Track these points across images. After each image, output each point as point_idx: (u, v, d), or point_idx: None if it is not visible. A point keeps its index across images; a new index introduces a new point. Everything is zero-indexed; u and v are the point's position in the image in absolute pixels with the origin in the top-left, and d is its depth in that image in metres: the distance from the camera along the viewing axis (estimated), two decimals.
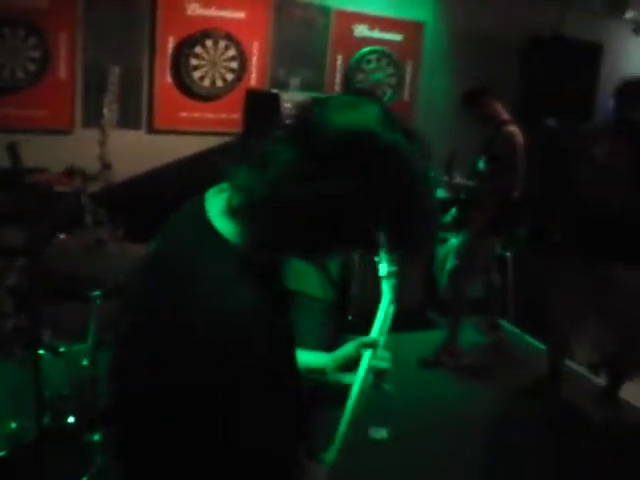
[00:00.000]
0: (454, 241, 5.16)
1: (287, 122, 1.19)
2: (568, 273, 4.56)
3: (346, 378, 1.58)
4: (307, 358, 1.60)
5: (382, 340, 1.59)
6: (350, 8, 5.84)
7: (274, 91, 5.22)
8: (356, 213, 1.13)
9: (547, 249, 4.90)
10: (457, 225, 5.13)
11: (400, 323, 5.61)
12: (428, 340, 5.35)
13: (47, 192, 4.31)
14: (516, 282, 5.85)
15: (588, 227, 4.34)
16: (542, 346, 5.53)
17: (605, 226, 4.23)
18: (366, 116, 1.15)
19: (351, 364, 1.60)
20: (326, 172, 1.10)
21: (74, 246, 3.56)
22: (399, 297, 5.03)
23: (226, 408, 1.10)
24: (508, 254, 5.80)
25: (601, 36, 6.57)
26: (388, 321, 1.65)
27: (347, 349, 1.62)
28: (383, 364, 1.57)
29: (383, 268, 1.64)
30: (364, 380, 1.52)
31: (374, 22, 5.95)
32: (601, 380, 4.90)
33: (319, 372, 1.63)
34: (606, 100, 4.77)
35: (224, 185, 1.23)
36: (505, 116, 4.92)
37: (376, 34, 5.98)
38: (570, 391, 4.77)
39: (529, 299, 5.72)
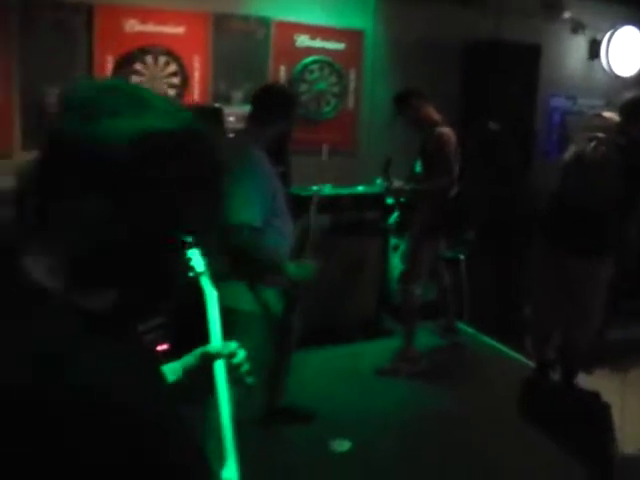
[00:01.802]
0: (401, 247, 5.19)
1: (54, 162, 1.01)
2: (543, 269, 4.75)
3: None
4: None
5: (227, 346, 1.51)
6: (290, 18, 5.82)
7: (217, 105, 5.17)
8: (182, 216, 1.03)
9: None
10: (400, 229, 5.16)
11: (356, 333, 5.63)
12: (385, 349, 5.34)
13: None
14: (470, 284, 5.87)
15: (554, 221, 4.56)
16: (499, 346, 5.59)
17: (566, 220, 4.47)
18: (150, 116, 1.00)
19: (197, 374, 1.51)
20: (131, 207, 0.99)
21: None
22: (353, 308, 4.99)
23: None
24: (461, 256, 5.82)
25: (539, 38, 6.66)
26: (218, 317, 1.57)
27: (188, 360, 1.52)
28: (242, 374, 1.51)
29: (198, 264, 1.59)
30: (228, 391, 1.44)
31: (315, 32, 5.94)
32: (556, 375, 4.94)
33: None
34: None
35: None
36: (435, 117, 4.96)
37: (317, 43, 5.98)
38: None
39: (483, 300, 5.76)
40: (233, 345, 1.51)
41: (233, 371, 1.48)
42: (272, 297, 3.50)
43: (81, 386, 0.94)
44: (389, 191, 5.14)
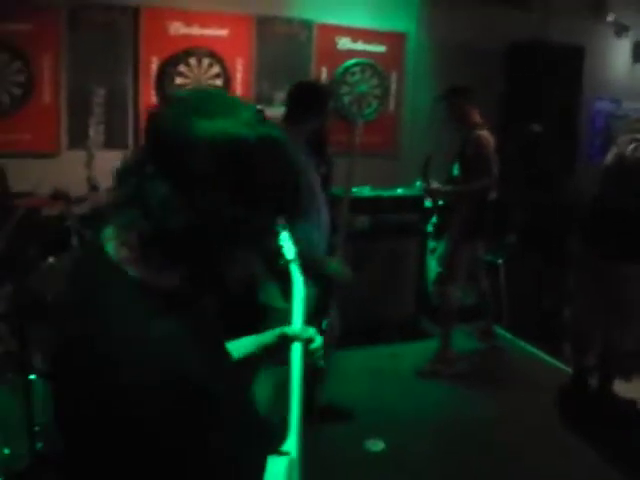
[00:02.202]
0: (439, 249, 5.18)
1: (149, 148, 1.15)
2: (583, 272, 4.69)
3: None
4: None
5: (307, 330, 1.58)
6: (332, 21, 5.86)
7: (259, 106, 5.20)
8: (240, 220, 1.13)
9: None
10: (438, 232, 5.16)
11: (394, 334, 5.63)
12: (423, 350, 5.34)
13: (34, 216, 4.30)
14: (509, 288, 5.85)
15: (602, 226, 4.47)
16: (536, 351, 5.55)
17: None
18: (229, 121, 1.12)
19: (274, 352, 1.62)
20: (197, 197, 1.09)
21: (62, 269, 3.55)
22: (392, 309, 4.98)
23: (172, 441, 1.07)
24: (500, 260, 5.80)
25: (583, 39, 6.60)
26: (304, 305, 1.64)
27: (266, 338, 1.64)
28: (316, 359, 1.61)
29: (289, 251, 1.63)
30: (301, 373, 1.50)
31: (357, 34, 5.97)
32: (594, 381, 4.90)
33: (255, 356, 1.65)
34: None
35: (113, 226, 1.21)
36: (476, 119, 4.94)
37: (359, 46, 6.01)
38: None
39: (522, 305, 5.73)
40: (312, 331, 1.59)
41: (308, 355, 1.56)
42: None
43: (149, 353, 1.08)
44: (426, 191, 5.14)
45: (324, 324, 3.99)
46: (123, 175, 1.17)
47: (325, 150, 4.34)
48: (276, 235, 1.32)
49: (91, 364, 1.08)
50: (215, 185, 1.09)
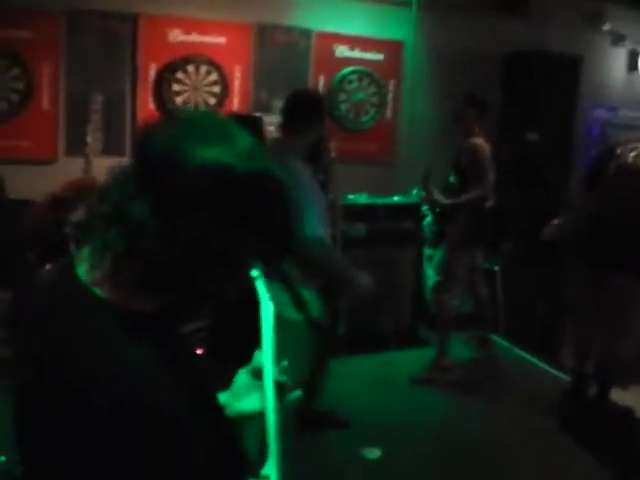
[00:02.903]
0: (436, 257, 5.18)
1: (136, 164, 1.11)
2: (584, 285, 4.69)
3: (247, 404, 1.54)
4: None
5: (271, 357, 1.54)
6: (331, 29, 5.89)
7: (257, 114, 5.24)
8: (218, 252, 1.10)
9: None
10: (436, 241, 5.16)
11: (391, 342, 5.62)
12: (420, 358, 5.35)
13: (31, 222, 4.30)
14: (506, 296, 5.86)
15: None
16: (533, 359, 5.56)
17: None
18: (221, 150, 1.08)
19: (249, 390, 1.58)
20: (177, 222, 1.05)
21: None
22: (389, 317, 4.97)
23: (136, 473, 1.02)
24: (496, 268, 5.81)
25: (580, 48, 6.63)
26: (271, 324, 1.58)
27: (241, 378, 1.60)
28: (283, 378, 1.54)
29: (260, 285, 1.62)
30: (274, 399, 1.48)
31: (354, 42, 6.00)
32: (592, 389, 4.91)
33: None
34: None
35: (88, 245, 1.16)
36: (476, 129, 4.95)
37: (357, 54, 6.03)
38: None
39: (519, 313, 5.73)
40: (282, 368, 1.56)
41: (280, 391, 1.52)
42: (314, 304, 3.53)
43: (110, 382, 1.03)
44: (427, 202, 5.14)
45: (340, 329, 3.99)
46: (106, 192, 1.11)
47: (322, 157, 4.34)
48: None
49: (49, 390, 1.05)
50: (197, 213, 1.05)
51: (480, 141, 4.90)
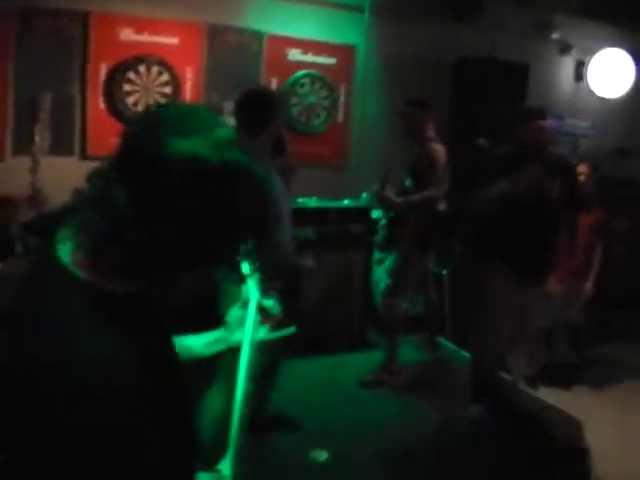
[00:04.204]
0: (387, 261, 5.22)
1: (119, 154, 1.16)
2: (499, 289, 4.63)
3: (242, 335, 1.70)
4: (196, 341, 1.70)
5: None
6: (283, 32, 5.89)
7: None
8: (200, 238, 1.15)
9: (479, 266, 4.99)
10: (388, 244, 5.20)
11: (340, 344, 5.64)
12: (369, 361, 5.39)
13: None
14: (453, 299, 5.93)
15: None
16: None
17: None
18: (198, 141, 1.12)
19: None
20: (153, 209, 1.11)
21: (5, 276, 3.50)
22: (338, 320, 4.99)
23: (105, 456, 1.06)
24: (444, 272, 5.88)
25: (529, 57, 6.74)
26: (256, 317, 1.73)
27: (234, 313, 1.76)
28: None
29: (245, 266, 1.70)
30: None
31: (307, 46, 6.01)
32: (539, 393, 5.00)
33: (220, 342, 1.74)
34: None
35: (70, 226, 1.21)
36: (430, 133, 5.01)
37: (309, 58, 6.05)
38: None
39: (466, 316, 5.81)
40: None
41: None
42: (272, 305, 3.53)
43: (89, 365, 1.07)
44: (378, 198, 5.14)
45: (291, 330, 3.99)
46: (92, 177, 1.17)
47: (283, 159, 4.32)
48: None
49: (29, 375, 1.08)
50: (172, 202, 1.10)
51: (438, 146, 4.95)
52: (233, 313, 1.74)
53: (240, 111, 3.65)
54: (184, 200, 1.10)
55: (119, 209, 1.10)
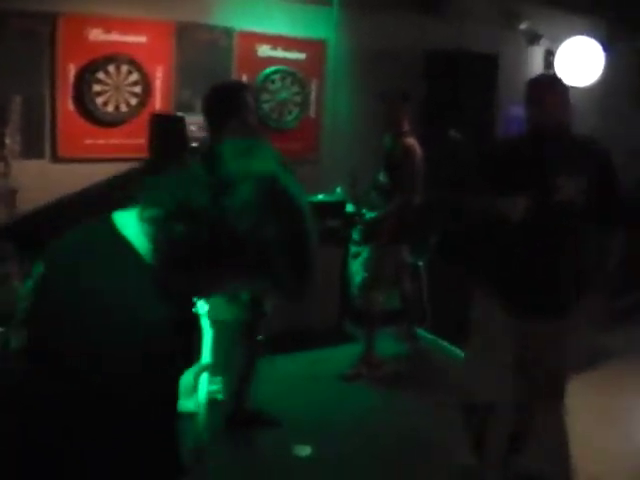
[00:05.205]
0: (363, 254, 5.23)
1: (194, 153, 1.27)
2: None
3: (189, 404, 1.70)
4: None
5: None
6: (253, 28, 5.87)
7: (179, 114, 5.20)
8: (259, 250, 1.24)
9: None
10: (364, 238, 5.21)
11: (318, 339, 5.66)
12: (347, 354, 5.40)
13: None
14: (430, 290, 5.96)
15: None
16: (460, 353, 5.66)
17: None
18: (266, 162, 1.31)
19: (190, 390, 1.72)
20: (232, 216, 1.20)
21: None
22: (316, 314, 5.01)
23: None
24: (420, 263, 5.90)
25: (497, 48, 6.77)
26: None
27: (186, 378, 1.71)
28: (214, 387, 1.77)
29: (201, 306, 1.73)
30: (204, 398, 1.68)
31: (277, 41, 6.00)
32: None
33: None
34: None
35: (135, 207, 1.28)
36: (405, 127, 5.03)
37: (279, 53, 6.04)
38: None
39: (444, 306, 5.83)
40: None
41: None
42: (241, 305, 3.53)
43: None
44: (351, 194, 5.17)
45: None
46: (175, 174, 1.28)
47: None
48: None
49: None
50: (247, 212, 1.21)
51: (413, 142, 4.97)
52: (185, 378, 1.68)
53: (203, 108, 3.67)
54: (258, 211, 1.24)
55: (200, 211, 1.20)
